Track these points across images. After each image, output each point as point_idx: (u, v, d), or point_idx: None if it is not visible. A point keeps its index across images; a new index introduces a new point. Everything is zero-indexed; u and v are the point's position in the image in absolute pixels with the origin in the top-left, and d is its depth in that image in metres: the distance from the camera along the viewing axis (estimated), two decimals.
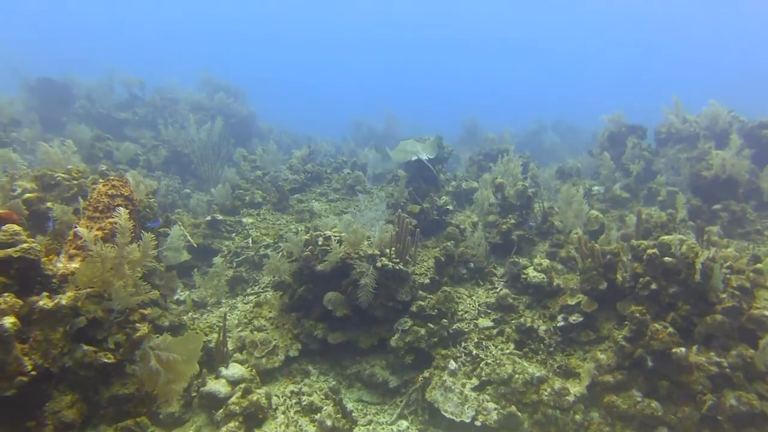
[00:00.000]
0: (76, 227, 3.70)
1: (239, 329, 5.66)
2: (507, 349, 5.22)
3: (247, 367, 4.93)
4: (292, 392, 4.89)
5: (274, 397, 4.76)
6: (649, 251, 4.74)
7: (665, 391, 4.28)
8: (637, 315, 4.51)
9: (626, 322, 4.67)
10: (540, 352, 5.07)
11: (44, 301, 3.26)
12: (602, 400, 4.46)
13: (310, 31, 65.37)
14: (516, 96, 47.26)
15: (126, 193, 3.93)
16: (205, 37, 58.11)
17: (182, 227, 6.17)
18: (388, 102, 24.01)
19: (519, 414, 4.53)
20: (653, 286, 4.63)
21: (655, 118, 11.85)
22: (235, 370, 4.80)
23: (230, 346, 5.18)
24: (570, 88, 48.73)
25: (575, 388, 4.63)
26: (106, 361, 3.45)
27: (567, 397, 4.55)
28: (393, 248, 5.69)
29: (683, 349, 4.20)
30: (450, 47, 64.36)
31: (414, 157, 7.93)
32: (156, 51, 47.45)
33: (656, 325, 4.40)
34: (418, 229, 6.18)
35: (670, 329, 4.34)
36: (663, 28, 56.44)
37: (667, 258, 4.64)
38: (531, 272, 5.67)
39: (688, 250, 4.57)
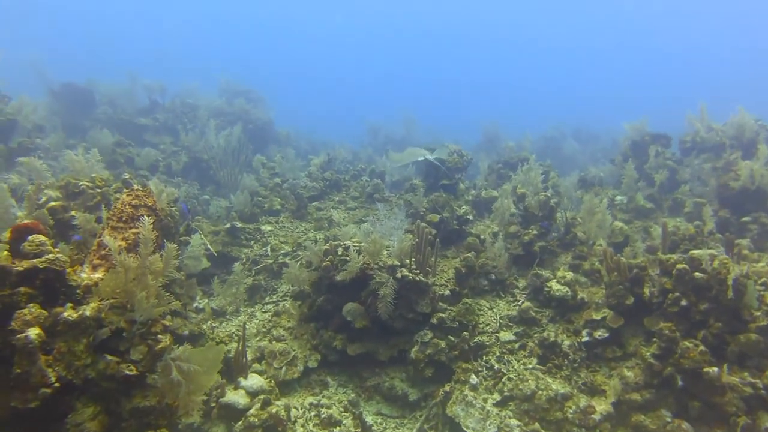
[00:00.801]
0: (101, 237, 3.72)
1: (258, 339, 5.64)
2: (530, 363, 5.10)
3: (266, 378, 4.91)
4: (311, 404, 4.85)
5: (293, 409, 4.72)
6: (679, 266, 4.60)
7: (696, 412, 4.13)
8: (667, 332, 4.37)
9: (654, 339, 4.52)
10: (564, 368, 4.94)
11: (68, 312, 3.27)
12: (629, 420, 4.33)
13: (326, 32, 65.69)
14: (533, 100, 46.92)
15: (150, 203, 3.94)
16: (222, 38, 58.79)
17: (202, 235, 6.19)
18: (406, 104, 23.97)
19: None
20: (683, 303, 4.49)
21: (677, 125, 11.60)
22: (254, 380, 4.78)
23: (249, 355, 5.16)
24: (589, 94, 48.16)
25: (601, 406, 4.50)
26: (128, 373, 3.44)
27: (593, 416, 4.42)
28: (413, 258, 5.62)
29: (716, 369, 4.05)
30: (468, 50, 64.12)
31: (421, 158, 8.28)
32: (172, 51, 48.25)
33: (687, 342, 4.25)
34: (437, 239, 6.11)
35: (702, 347, 4.19)
36: (684, 34, 55.39)
37: (697, 273, 4.49)
38: (554, 285, 5.54)
39: (720, 265, 4.41)
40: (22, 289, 3.16)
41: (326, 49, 64.95)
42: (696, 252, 4.67)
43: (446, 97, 49.68)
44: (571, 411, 4.48)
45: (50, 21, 46.53)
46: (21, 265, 3.18)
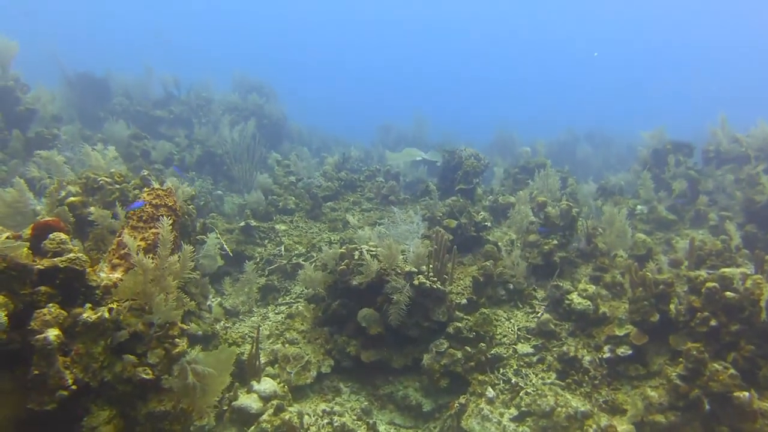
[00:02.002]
0: (120, 236, 3.66)
1: (271, 341, 5.57)
2: (548, 378, 4.98)
3: (279, 383, 4.84)
4: (323, 411, 4.76)
5: (306, 416, 4.64)
6: (709, 284, 4.45)
7: None
8: (694, 352, 4.22)
9: (681, 359, 4.38)
10: (584, 385, 4.82)
11: (87, 314, 3.21)
12: None
13: (329, 28, 64.95)
14: (540, 100, 46.55)
15: (170, 203, 3.87)
16: (224, 32, 58.36)
17: (218, 234, 6.13)
18: (413, 103, 23.86)
19: None
20: (713, 323, 4.34)
21: (686, 130, 11.38)
22: (267, 385, 4.71)
23: (262, 358, 5.09)
24: (604, 98, 47.64)
25: (623, 427, 4.37)
26: (144, 377, 3.38)
27: None
28: (430, 265, 5.52)
29: (747, 394, 3.91)
30: (472, 48, 63.30)
31: (419, 157, 8.59)
32: (177, 45, 48.21)
33: (716, 365, 4.10)
34: (455, 247, 5.99)
35: (732, 371, 4.05)
36: (691, 35, 54.22)
37: (728, 293, 4.34)
38: (575, 298, 5.41)
39: (753, 285, 4.27)
40: (42, 289, 3.10)
41: (330, 46, 64.31)
42: (727, 270, 4.52)
43: (452, 96, 49.46)
44: (592, 430, 4.36)
45: (55, 14, 46.38)
46: (41, 264, 3.12)
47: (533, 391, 4.81)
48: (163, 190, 3.93)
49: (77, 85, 15.11)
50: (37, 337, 2.93)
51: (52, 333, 2.96)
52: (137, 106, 14.84)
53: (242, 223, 7.40)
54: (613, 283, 5.78)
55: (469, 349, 5.15)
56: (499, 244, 6.85)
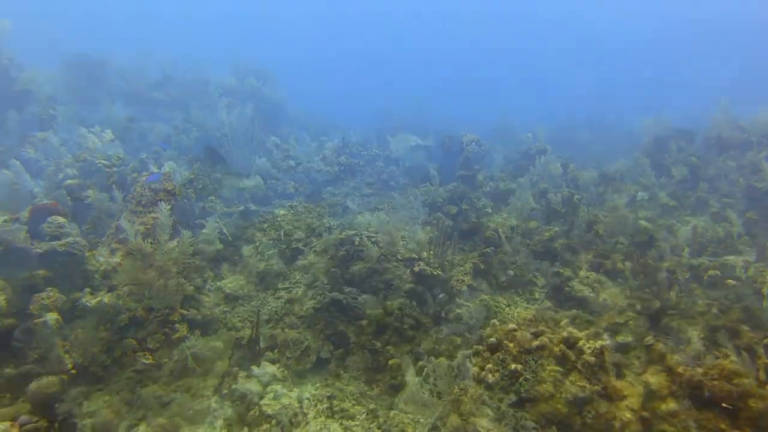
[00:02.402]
0: (119, 220, 3.61)
1: (270, 326, 5.56)
2: (548, 365, 4.98)
3: (279, 367, 4.84)
4: (323, 396, 4.78)
5: (306, 401, 4.65)
6: (711, 272, 4.44)
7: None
8: (695, 339, 4.24)
9: (681, 346, 4.39)
10: (584, 371, 4.82)
11: (87, 298, 3.18)
12: (653, 428, 4.22)
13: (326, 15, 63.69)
14: (547, 93, 46.05)
15: (169, 188, 3.82)
16: (230, 19, 57.18)
17: (217, 219, 6.07)
18: (419, 91, 23.62)
19: None
20: (714, 310, 4.34)
21: (693, 123, 11.30)
22: (267, 369, 4.71)
23: (262, 343, 5.08)
24: (605, 89, 47.12)
25: (622, 413, 4.39)
26: (145, 361, 3.36)
27: (613, 422, 4.31)
28: (430, 251, 5.50)
29: (746, 380, 3.92)
30: (480, 42, 62.38)
31: (413, 143, 8.61)
32: (180, 27, 47.25)
33: (716, 352, 4.12)
34: (456, 233, 5.97)
35: (732, 357, 4.06)
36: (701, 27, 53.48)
37: (730, 280, 4.34)
38: (576, 285, 5.40)
39: (755, 273, 4.26)
40: (40, 272, 3.07)
41: (331, 33, 62.89)
42: (729, 258, 4.51)
43: (454, 84, 48.83)
44: (591, 416, 4.38)
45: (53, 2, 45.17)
46: (40, 248, 3.09)
47: (533, 377, 4.82)
48: (162, 174, 3.87)
49: (74, 65, 14.88)
50: (36, 321, 2.91)
51: (51, 317, 2.94)
52: (134, 88, 14.64)
53: (241, 207, 7.35)
54: (614, 269, 5.77)
55: (469, 335, 5.16)
56: (500, 230, 6.82)
